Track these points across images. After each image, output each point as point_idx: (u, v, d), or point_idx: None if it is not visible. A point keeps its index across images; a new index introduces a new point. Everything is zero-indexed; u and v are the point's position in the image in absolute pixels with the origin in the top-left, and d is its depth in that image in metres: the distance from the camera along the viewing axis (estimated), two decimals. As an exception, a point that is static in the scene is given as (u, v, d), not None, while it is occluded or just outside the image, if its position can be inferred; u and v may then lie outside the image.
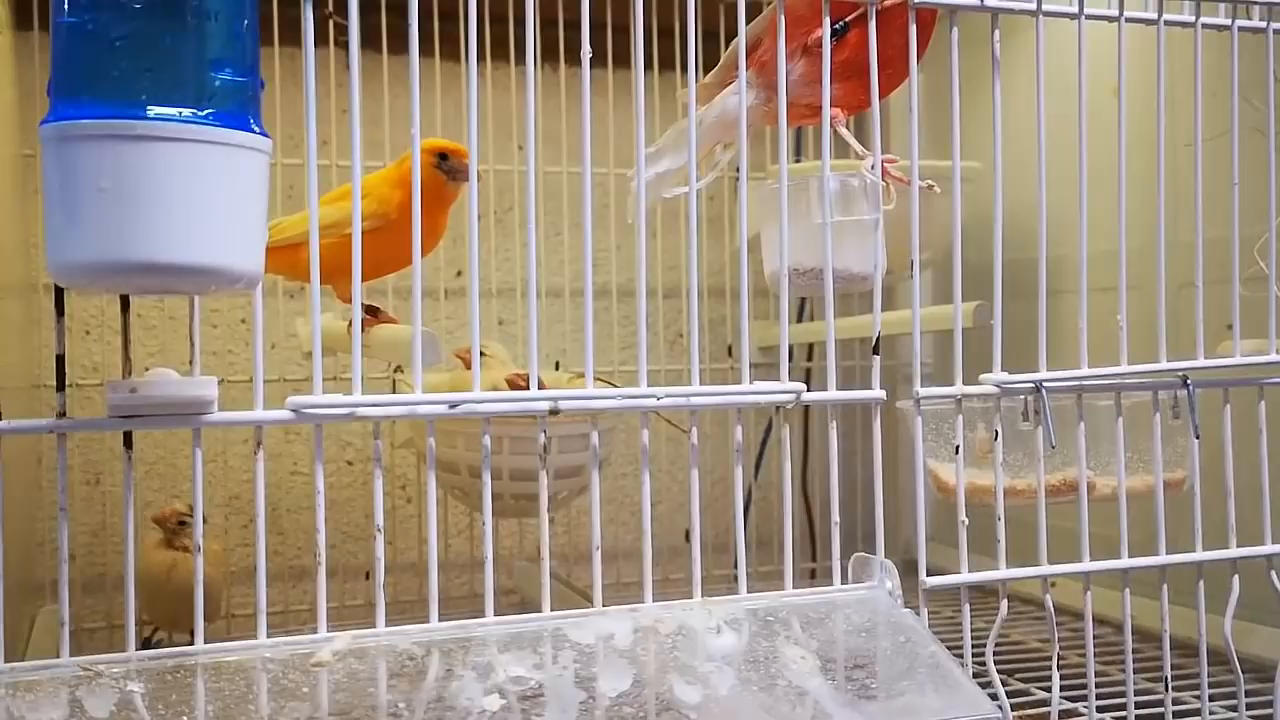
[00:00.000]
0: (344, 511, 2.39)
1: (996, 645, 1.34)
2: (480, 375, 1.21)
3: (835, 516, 1.31)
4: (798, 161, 2.43)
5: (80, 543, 2.23)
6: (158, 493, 2.27)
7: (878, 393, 1.32)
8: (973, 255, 1.35)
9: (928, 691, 1.15)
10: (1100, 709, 1.47)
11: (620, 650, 1.14)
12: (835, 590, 1.31)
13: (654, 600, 1.24)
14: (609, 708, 1.06)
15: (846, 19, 1.42)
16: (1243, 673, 1.43)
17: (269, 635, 1.12)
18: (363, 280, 1.17)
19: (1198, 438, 1.42)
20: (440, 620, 1.17)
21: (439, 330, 2.38)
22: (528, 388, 1.23)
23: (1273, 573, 1.43)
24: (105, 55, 0.92)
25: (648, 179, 1.47)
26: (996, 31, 1.33)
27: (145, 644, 1.90)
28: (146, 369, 1.10)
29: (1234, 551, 1.42)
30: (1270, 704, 1.47)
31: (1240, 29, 1.41)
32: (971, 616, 1.34)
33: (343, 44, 2.28)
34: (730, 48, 1.52)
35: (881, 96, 1.35)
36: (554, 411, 1.20)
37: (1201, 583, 1.42)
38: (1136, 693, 1.42)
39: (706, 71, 1.45)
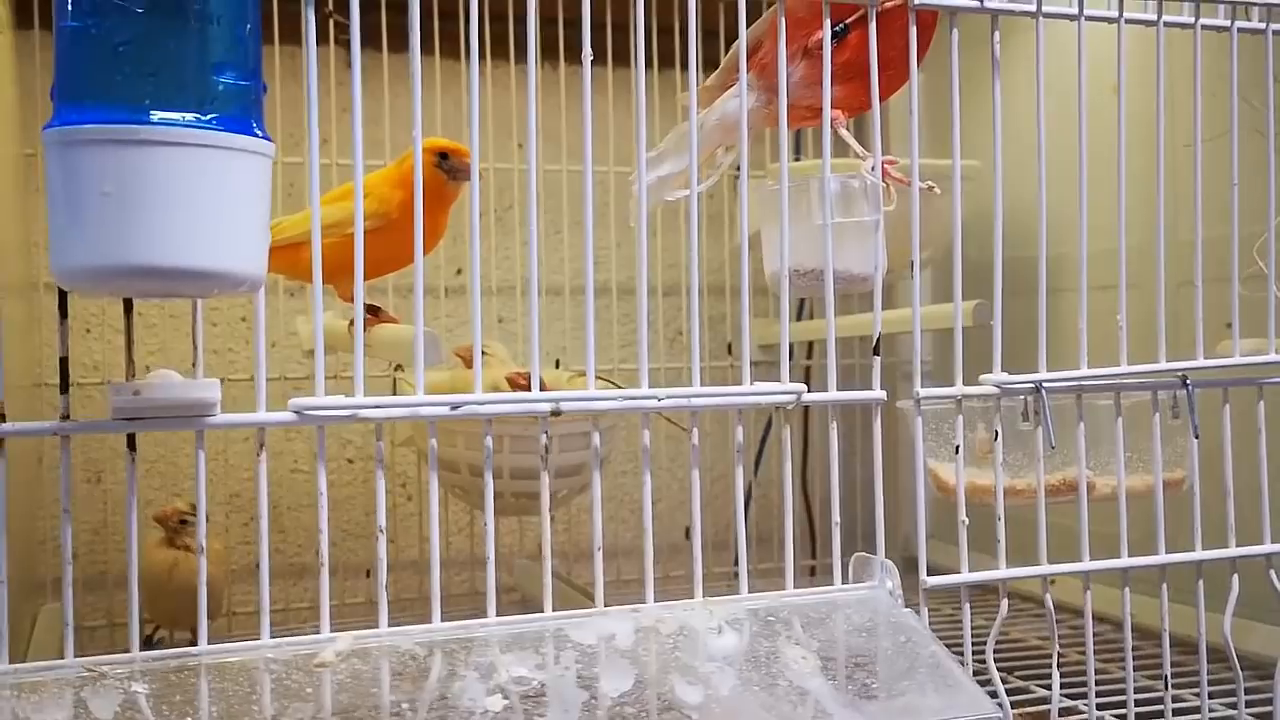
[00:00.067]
0: (345, 509, 2.39)
1: (996, 643, 1.34)
2: (481, 374, 1.22)
3: (836, 516, 1.31)
4: (797, 161, 2.43)
5: (82, 541, 2.23)
6: (159, 491, 2.27)
7: (878, 393, 1.32)
8: (972, 254, 1.35)
9: (928, 691, 1.15)
10: (1100, 706, 1.47)
11: (622, 650, 1.15)
12: (836, 590, 1.31)
13: (655, 598, 1.24)
14: (611, 708, 1.07)
15: (846, 21, 1.43)
16: (1242, 670, 1.43)
17: (271, 633, 1.12)
18: (367, 278, 1.17)
19: (1197, 437, 1.42)
20: (442, 617, 1.17)
21: (439, 328, 2.38)
22: (528, 386, 1.23)
23: (1272, 571, 1.43)
24: (108, 60, 0.92)
25: (649, 182, 1.48)
26: (996, 33, 1.33)
27: (146, 642, 1.91)
28: (148, 368, 1.11)
29: (1233, 551, 1.42)
30: (1270, 701, 1.47)
31: (1239, 30, 1.41)
32: (972, 614, 1.35)
33: (343, 42, 2.27)
34: (731, 51, 1.52)
35: (882, 98, 1.35)
36: (556, 413, 1.20)
37: (1201, 581, 1.42)
38: (1136, 690, 1.42)
39: (706, 69, 1.45)
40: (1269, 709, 1.48)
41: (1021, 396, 1.37)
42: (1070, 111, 1.35)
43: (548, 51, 2.41)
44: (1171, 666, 1.42)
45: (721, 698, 1.10)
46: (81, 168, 0.92)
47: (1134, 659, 1.42)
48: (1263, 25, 1.42)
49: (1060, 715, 1.39)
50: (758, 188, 1.49)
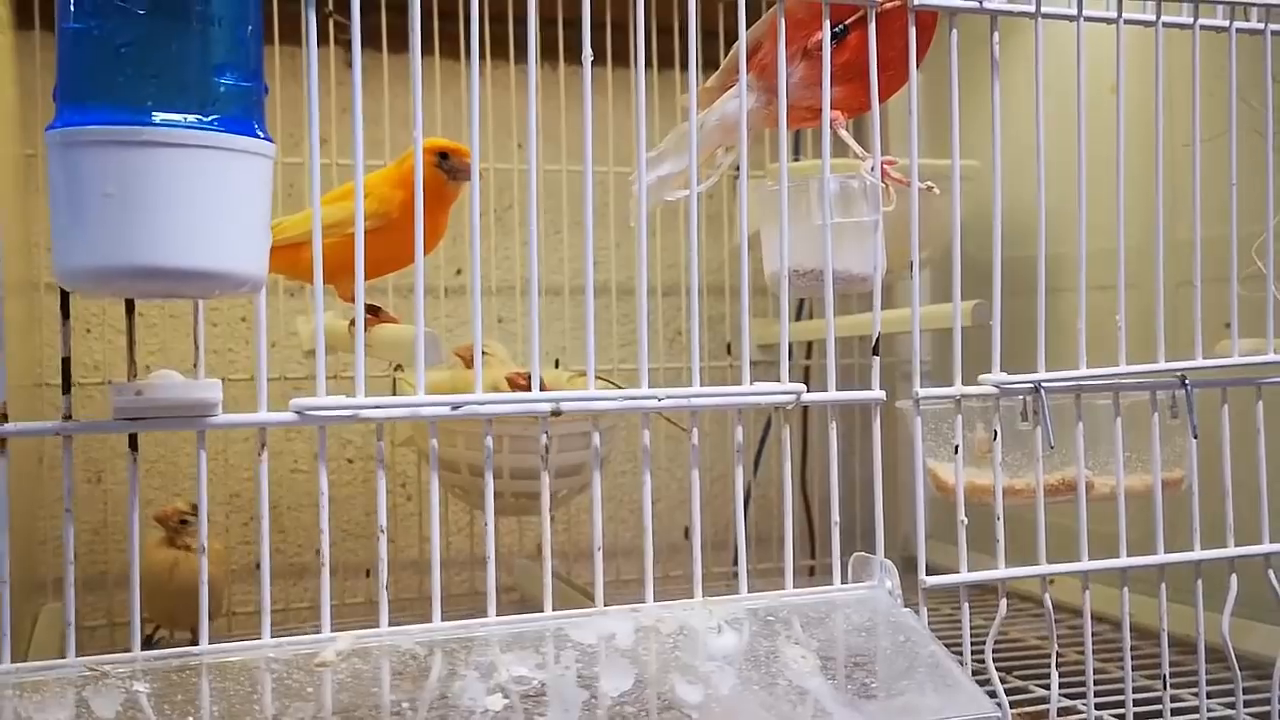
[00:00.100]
0: (344, 509, 2.39)
1: (995, 643, 1.35)
2: (481, 374, 1.22)
3: (835, 516, 1.31)
4: (796, 162, 2.44)
5: (82, 540, 2.23)
6: (159, 491, 2.27)
7: (877, 393, 1.32)
8: (971, 253, 1.35)
9: (927, 691, 1.15)
10: (1099, 706, 1.48)
11: (622, 650, 1.15)
12: (835, 590, 1.31)
13: (654, 598, 1.25)
14: (611, 707, 1.07)
15: (846, 22, 1.43)
16: (1240, 670, 1.43)
17: (271, 633, 1.13)
18: (367, 278, 1.17)
19: (1196, 437, 1.42)
20: (442, 617, 1.17)
21: (439, 328, 2.38)
22: (528, 386, 1.23)
23: (1270, 571, 1.43)
24: (111, 61, 0.93)
25: (650, 182, 1.48)
26: (995, 33, 1.33)
27: (146, 642, 1.91)
28: (148, 368, 1.11)
29: (1232, 550, 1.43)
30: (1268, 701, 1.48)
31: (1238, 30, 1.41)
32: (971, 615, 1.35)
33: (342, 43, 2.28)
34: (731, 52, 1.52)
35: (882, 99, 1.35)
36: (556, 413, 1.20)
37: (1200, 581, 1.42)
38: (1135, 690, 1.43)
39: (706, 70, 1.46)
40: (1268, 709, 1.48)
41: (1020, 396, 1.38)
42: (1068, 112, 1.36)
43: (547, 52, 2.41)
44: (1170, 666, 1.43)
45: (721, 697, 1.10)
46: (84, 169, 0.92)
47: (1133, 659, 1.42)
48: (1261, 25, 1.42)
49: (1059, 715, 1.39)
50: (757, 188, 1.50)
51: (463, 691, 1.06)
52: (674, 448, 2.54)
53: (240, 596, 2.21)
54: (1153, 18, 1.38)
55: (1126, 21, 1.37)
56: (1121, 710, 1.45)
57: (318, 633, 1.13)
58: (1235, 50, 1.41)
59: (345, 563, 2.37)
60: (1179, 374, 1.41)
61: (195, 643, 1.10)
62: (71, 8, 0.93)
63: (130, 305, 1.12)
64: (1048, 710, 1.38)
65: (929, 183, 1.39)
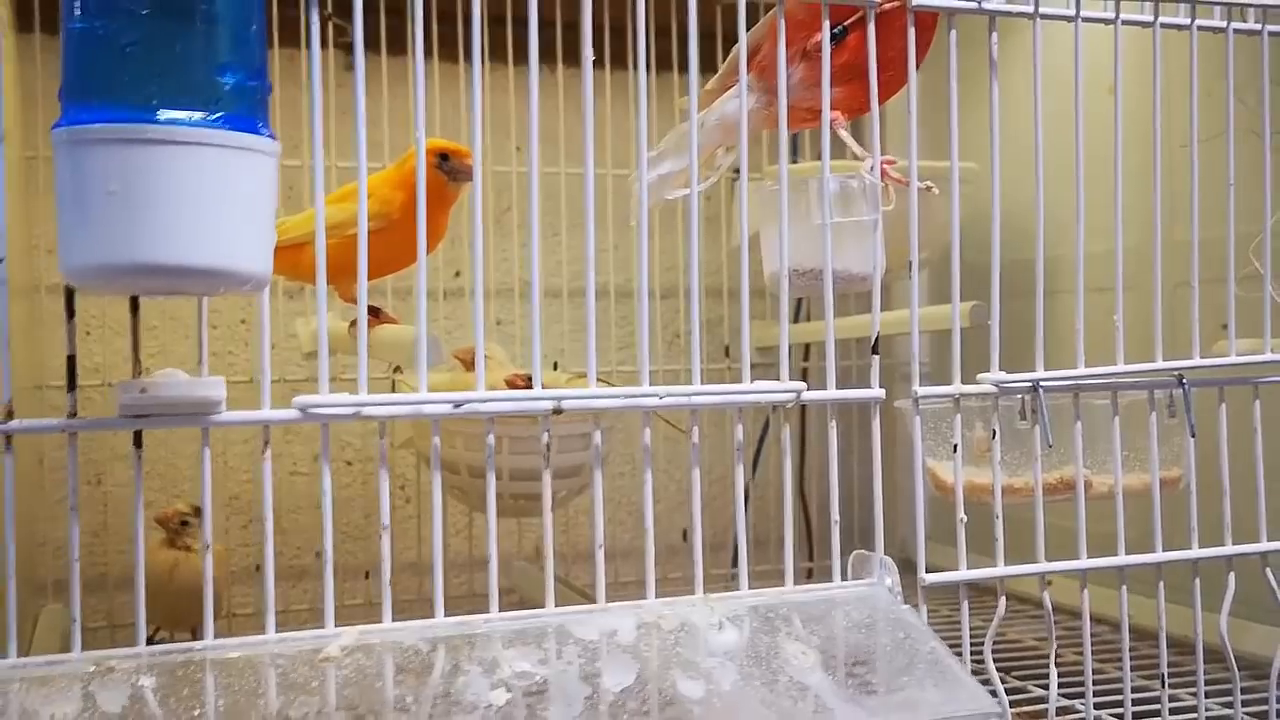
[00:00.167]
0: (344, 511, 2.40)
1: (993, 643, 1.35)
2: (483, 374, 1.22)
3: (835, 515, 1.32)
4: (794, 164, 2.44)
5: (82, 542, 2.20)
6: (158, 493, 2.27)
7: (877, 392, 1.33)
8: (968, 256, 1.36)
9: (928, 687, 1.16)
10: (1096, 706, 1.48)
11: (623, 646, 1.15)
12: (835, 587, 1.32)
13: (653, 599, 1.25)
14: (613, 702, 1.07)
15: (845, 23, 1.43)
16: (1238, 670, 1.44)
17: (275, 632, 1.13)
18: (360, 280, 1.18)
19: (1194, 436, 1.43)
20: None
21: (437, 331, 2.39)
22: (527, 388, 1.24)
23: (1268, 570, 1.44)
24: (116, 60, 0.93)
25: (649, 181, 1.48)
26: (994, 34, 1.34)
27: (148, 643, 1.91)
28: (147, 370, 1.12)
29: (1229, 549, 1.43)
30: (1265, 701, 1.48)
31: (1235, 31, 1.42)
32: (969, 616, 1.35)
33: (341, 45, 2.29)
34: (731, 53, 1.53)
35: (883, 99, 1.36)
36: (558, 411, 1.21)
37: (1197, 580, 1.43)
38: (1133, 690, 1.43)
39: (703, 72, 1.46)
40: (1265, 709, 1.48)
41: (1019, 396, 1.38)
42: (1066, 112, 1.36)
43: (545, 54, 2.40)
44: (1168, 666, 1.43)
45: (723, 692, 1.10)
46: (89, 166, 0.93)
47: (1130, 659, 1.42)
48: (1259, 26, 1.43)
49: (1057, 715, 1.39)
50: (757, 189, 1.50)
51: (466, 687, 1.07)
52: (672, 449, 2.54)
53: (239, 598, 2.22)
54: (1150, 18, 1.39)
55: (1124, 22, 1.38)
56: (1119, 710, 1.46)
57: (322, 629, 1.13)
58: (1233, 51, 1.42)
59: (344, 565, 2.37)
60: (1177, 373, 1.42)
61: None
62: (77, 8, 0.94)
63: (135, 303, 1.13)
64: (1045, 710, 1.38)
65: (928, 182, 1.40)
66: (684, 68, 1.32)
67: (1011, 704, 1.46)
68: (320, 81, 1.14)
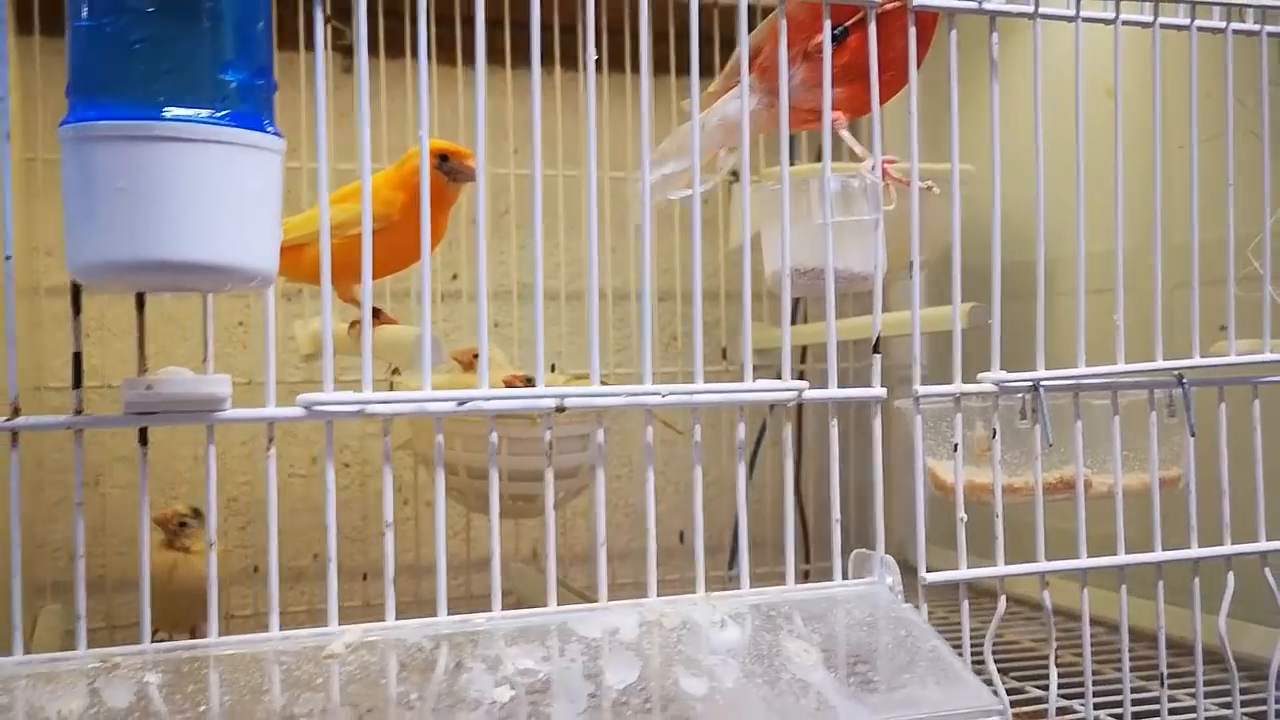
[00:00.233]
0: (341, 513, 2.38)
1: (991, 644, 1.35)
2: (483, 373, 1.23)
3: (837, 514, 1.32)
4: (792, 165, 2.44)
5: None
6: (157, 494, 2.27)
7: (879, 390, 1.33)
8: (967, 258, 1.36)
9: (929, 684, 1.16)
10: (1095, 706, 1.48)
11: (626, 644, 1.16)
12: (836, 585, 1.32)
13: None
14: (616, 699, 1.08)
15: (846, 23, 1.44)
16: (1237, 671, 1.44)
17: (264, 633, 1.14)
18: (363, 281, 1.18)
19: (1193, 436, 1.43)
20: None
21: (435, 333, 2.39)
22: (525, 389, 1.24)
23: (1267, 569, 1.44)
24: (123, 58, 0.94)
25: (652, 182, 1.49)
26: (994, 34, 1.34)
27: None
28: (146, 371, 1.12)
29: (1229, 549, 1.44)
30: (1264, 701, 1.48)
31: (1235, 32, 1.42)
32: (968, 617, 1.36)
33: (339, 48, 2.30)
34: (733, 55, 1.53)
35: (884, 100, 1.36)
36: (561, 409, 1.21)
37: (1197, 580, 1.43)
38: (1131, 690, 1.43)
39: (701, 75, 1.46)
40: (1263, 708, 1.49)
41: (1019, 396, 1.38)
42: (1064, 113, 1.37)
43: (542, 57, 2.42)
44: (1167, 668, 1.43)
45: (725, 690, 1.11)
46: (96, 164, 0.93)
47: (1129, 660, 1.43)
48: (1257, 27, 1.43)
49: (1056, 715, 1.40)
50: (757, 189, 1.51)
51: (470, 684, 1.07)
52: (668, 451, 2.54)
53: (237, 600, 2.22)
54: (1150, 19, 1.39)
55: (1124, 23, 1.38)
56: (1117, 710, 1.46)
57: (326, 627, 1.14)
58: (1232, 52, 1.42)
59: (342, 566, 2.36)
60: (1176, 373, 1.42)
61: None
62: (84, 6, 0.94)
63: (141, 301, 1.13)
64: (1043, 710, 1.39)
65: (929, 182, 1.40)
66: (681, 70, 1.33)
67: (1010, 704, 1.46)
68: (323, 83, 1.14)
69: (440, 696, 1.05)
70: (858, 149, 1.47)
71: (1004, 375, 1.36)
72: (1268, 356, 1.43)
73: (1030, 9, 1.36)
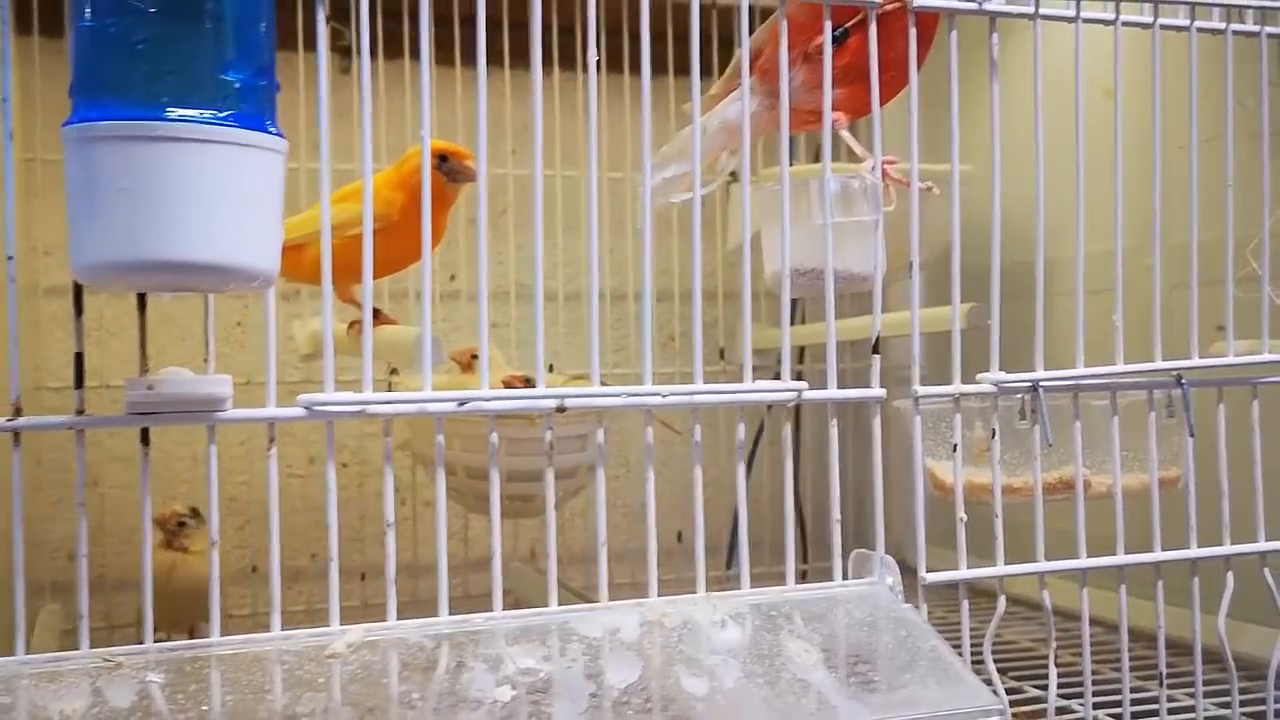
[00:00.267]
0: (339, 513, 2.39)
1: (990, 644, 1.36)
2: (477, 377, 1.23)
3: (837, 514, 1.32)
4: (790, 165, 2.44)
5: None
6: (154, 494, 2.24)
7: (878, 391, 1.33)
8: (966, 258, 1.36)
9: (930, 684, 1.16)
10: (1094, 706, 1.48)
11: (627, 643, 1.16)
12: (836, 585, 1.32)
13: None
14: (617, 699, 1.08)
15: (847, 25, 1.44)
16: (1236, 671, 1.44)
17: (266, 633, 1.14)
18: (363, 281, 1.19)
19: (1192, 436, 1.43)
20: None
21: (433, 333, 2.39)
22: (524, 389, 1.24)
23: (1266, 570, 1.44)
24: (127, 58, 0.94)
25: (654, 184, 1.49)
26: (995, 35, 1.34)
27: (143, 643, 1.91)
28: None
29: (1228, 549, 1.44)
30: (1263, 701, 1.49)
31: (1234, 33, 1.42)
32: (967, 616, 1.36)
33: (337, 49, 2.30)
34: (734, 57, 1.53)
35: (885, 100, 1.36)
36: (561, 410, 1.21)
37: (1196, 579, 1.43)
38: (1130, 690, 1.43)
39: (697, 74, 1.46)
40: (1262, 708, 1.49)
41: (1018, 396, 1.39)
42: (1062, 114, 1.37)
43: (541, 58, 2.42)
44: (1166, 667, 1.44)
45: (726, 690, 1.11)
46: (99, 163, 0.93)
47: (1128, 659, 1.43)
48: (1257, 28, 1.44)
49: (1055, 715, 1.40)
50: (757, 189, 1.51)
51: (471, 683, 1.07)
52: (666, 451, 2.54)
53: (235, 600, 2.22)
54: (1150, 20, 1.39)
55: (1124, 24, 1.38)
56: (1116, 710, 1.46)
57: (327, 627, 1.14)
58: (1231, 53, 1.42)
59: (340, 566, 2.36)
60: (1176, 374, 1.42)
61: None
62: (88, 7, 0.94)
63: (142, 301, 1.14)
64: (1041, 710, 1.39)
65: (929, 183, 1.40)
66: (679, 70, 1.33)
67: (1009, 704, 1.47)
68: (308, 84, 1.14)
69: (442, 696, 1.05)
70: (858, 150, 1.47)
71: (1003, 376, 1.36)
72: (1266, 357, 1.43)
73: (1030, 10, 1.36)
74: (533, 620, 1.19)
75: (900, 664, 1.20)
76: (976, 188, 1.61)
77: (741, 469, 1.29)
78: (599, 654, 1.14)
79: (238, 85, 0.97)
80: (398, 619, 1.17)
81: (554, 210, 2.46)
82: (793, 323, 2.62)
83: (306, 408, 1.13)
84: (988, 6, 1.33)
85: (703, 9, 2.15)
